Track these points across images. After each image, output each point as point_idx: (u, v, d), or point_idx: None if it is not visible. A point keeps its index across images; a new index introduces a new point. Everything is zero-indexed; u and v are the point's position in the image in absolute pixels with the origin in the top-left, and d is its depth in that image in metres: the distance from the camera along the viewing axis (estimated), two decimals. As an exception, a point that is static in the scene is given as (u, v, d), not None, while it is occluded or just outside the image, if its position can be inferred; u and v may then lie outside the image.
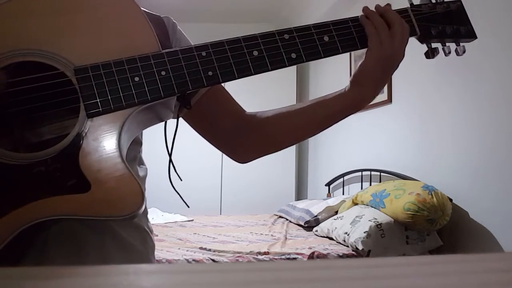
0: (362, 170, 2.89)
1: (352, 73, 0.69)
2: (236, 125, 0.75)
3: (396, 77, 2.42)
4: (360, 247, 1.86)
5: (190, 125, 0.75)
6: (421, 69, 2.27)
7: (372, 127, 2.86)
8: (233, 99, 0.77)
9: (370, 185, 2.60)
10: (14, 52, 0.50)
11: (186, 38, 0.71)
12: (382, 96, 2.68)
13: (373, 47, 0.65)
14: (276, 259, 1.90)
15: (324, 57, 0.63)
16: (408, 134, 2.46)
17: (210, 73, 0.56)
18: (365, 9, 0.67)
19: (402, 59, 0.67)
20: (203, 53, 0.56)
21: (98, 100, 0.50)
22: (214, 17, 4.22)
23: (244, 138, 0.76)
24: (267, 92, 3.94)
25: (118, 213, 0.47)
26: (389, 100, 2.64)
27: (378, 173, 2.65)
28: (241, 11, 4.14)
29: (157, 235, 2.40)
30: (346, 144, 3.24)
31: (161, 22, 0.68)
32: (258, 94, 3.78)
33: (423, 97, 2.32)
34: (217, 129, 0.76)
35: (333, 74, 3.57)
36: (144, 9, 0.59)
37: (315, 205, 2.73)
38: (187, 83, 0.55)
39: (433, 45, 0.70)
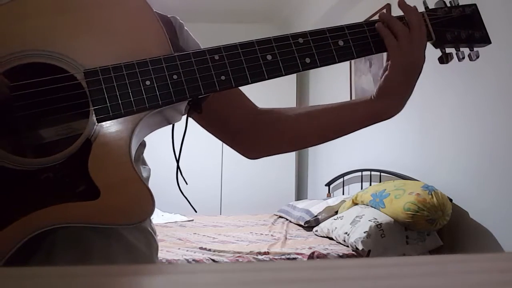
0: (362, 170, 2.89)
1: (377, 85, 0.66)
2: (247, 121, 0.74)
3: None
4: (360, 247, 1.86)
5: (201, 125, 0.74)
6: (421, 69, 2.27)
7: (372, 127, 2.85)
8: (244, 94, 0.75)
9: (370, 185, 2.60)
10: (22, 53, 0.48)
11: (192, 38, 0.70)
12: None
13: (394, 57, 0.63)
14: (276, 259, 1.90)
15: (338, 62, 0.61)
16: (408, 134, 2.46)
17: (223, 77, 0.54)
18: (383, 15, 0.64)
19: (424, 63, 0.64)
20: (216, 57, 0.55)
21: (108, 104, 0.49)
22: (214, 17, 4.22)
23: (256, 135, 0.74)
24: (267, 95, 3.92)
25: (127, 221, 0.46)
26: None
27: (378, 173, 2.65)
28: (241, 11, 4.14)
29: (157, 235, 2.39)
30: (346, 144, 3.24)
31: (168, 22, 0.67)
32: (258, 97, 3.77)
33: (423, 97, 2.32)
34: (227, 125, 0.75)
35: (333, 77, 3.57)
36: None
37: (315, 205, 2.73)
38: (199, 87, 0.53)
39: (447, 50, 0.68)
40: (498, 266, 0.26)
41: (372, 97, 0.67)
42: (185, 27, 0.70)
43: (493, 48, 1.90)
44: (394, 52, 0.62)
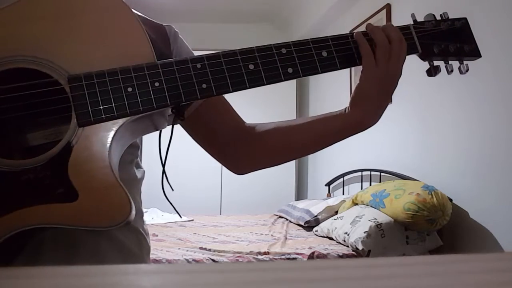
0: (362, 170, 2.89)
1: (351, 96, 0.67)
2: (234, 136, 0.74)
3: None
4: (360, 247, 1.86)
5: (188, 133, 0.74)
6: (421, 69, 2.26)
7: (372, 127, 2.86)
8: (232, 109, 0.76)
9: (370, 185, 2.60)
10: (9, 58, 0.50)
11: (187, 46, 0.71)
12: (382, 96, 2.68)
13: (367, 67, 0.63)
14: (276, 259, 1.90)
15: (322, 72, 0.62)
16: (408, 134, 2.46)
17: (204, 85, 0.55)
18: (369, 25, 0.65)
19: (400, 77, 0.64)
20: (198, 65, 0.56)
21: (90, 109, 0.50)
22: (214, 17, 4.22)
23: (242, 150, 0.75)
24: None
25: (104, 223, 0.46)
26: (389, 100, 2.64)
27: (378, 173, 2.65)
28: (241, 11, 4.14)
29: (157, 235, 2.39)
30: (346, 144, 3.22)
31: (162, 30, 0.68)
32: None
33: (423, 97, 2.32)
34: (215, 138, 0.75)
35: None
36: (146, 17, 0.59)
37: (315, 205, 2.73)
38: (180, 95, 0.54)
39: (435, 62, 0.68)
40: (498, 266, 0.26)
41: (347, 109, 0.68)
42: (180, 36, 0.71)
43: (493, 48, 1.90)
44: (368, 61, 0.63)
